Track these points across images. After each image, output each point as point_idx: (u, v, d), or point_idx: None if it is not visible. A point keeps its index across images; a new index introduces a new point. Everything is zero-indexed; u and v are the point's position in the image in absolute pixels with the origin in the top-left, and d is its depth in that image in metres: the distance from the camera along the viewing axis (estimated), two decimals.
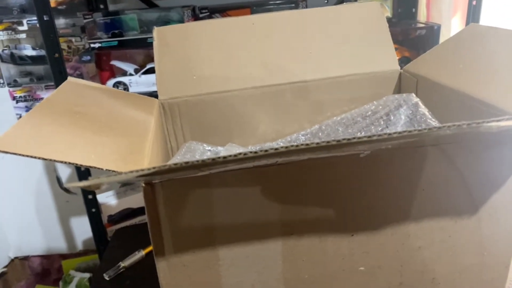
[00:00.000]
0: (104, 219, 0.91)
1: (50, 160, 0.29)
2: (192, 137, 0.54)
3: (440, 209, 0.35)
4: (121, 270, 0.64)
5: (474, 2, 0.71)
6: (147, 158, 0.34)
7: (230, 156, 0.20)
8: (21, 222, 1.27)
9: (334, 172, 0.31)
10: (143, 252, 0.67)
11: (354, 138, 0.21)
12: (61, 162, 0.30)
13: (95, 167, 0.29)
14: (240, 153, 0.20)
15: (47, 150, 0.30)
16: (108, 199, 0.90)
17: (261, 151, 0.20)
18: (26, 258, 1.30)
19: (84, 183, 0.20)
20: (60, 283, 1.19)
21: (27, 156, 0.29)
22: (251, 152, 0.20)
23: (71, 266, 1.24)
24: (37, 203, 1.26)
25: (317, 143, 0.21)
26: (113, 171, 0.29)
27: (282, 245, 0.34)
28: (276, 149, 0.21)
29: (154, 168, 0.20)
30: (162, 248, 0.33)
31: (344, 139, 0.21)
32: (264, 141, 0.57)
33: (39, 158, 0.30)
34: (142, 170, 0.20)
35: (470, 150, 0.33)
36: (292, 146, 0.21)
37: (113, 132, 0.38)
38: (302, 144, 0.21)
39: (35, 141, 0.32)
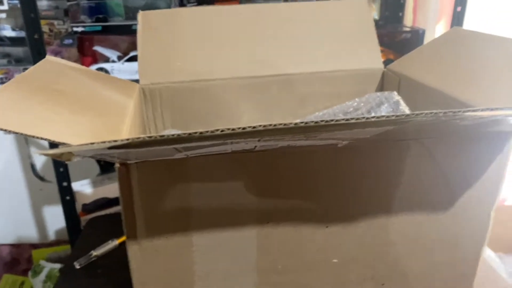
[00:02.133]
0: (79, 208, 0.89)
1: (22, 134, 0.28)
2: (173, 125, 0.53)
3: (417, 204, 0.36)
4: (93, 259, 0.63)
5: (458, 9, 0.73)
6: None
7: (207, 131, 0.20)
8: None
9: (311, 161, 0.31)
10: (116, 242, 0.66)
11: (332, 120, 0.21)
12: (34, 137, 0.29)
13: (68, 144, 0.28)
14: (217, 129, 0.20)
15: (20, 124, 0.29)
16: (83, 188, 0.88)
17: (238, 128, 0.20)
18: None
19: (52, 151, 0.19)
20: (30, 273, 1.16)
21: None
22: (228, 128, 0.20)
23: (42, 256, 1.20)
24: (9, 189, 1.22)
25: (295, 123, 0.21)
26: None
27: (257, 233, 0.33)
28: (254, 127, 0.20)
29: (127, 139, 0.20)
30: (135, 232, 0.32)
31: (322, 121, 0.21)
32: None
33: (10, 131, 0.28)
34: (115, 141, 0.20)
35: (449, 145, 0.33)
36: (270, 125, 0.20)
37: (90, 111, 0.37)
38: (280, 124, 0.21)
39: (8, 114, 0.30)
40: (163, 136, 0.20)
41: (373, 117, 0.21)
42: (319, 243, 0.35)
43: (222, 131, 0.20)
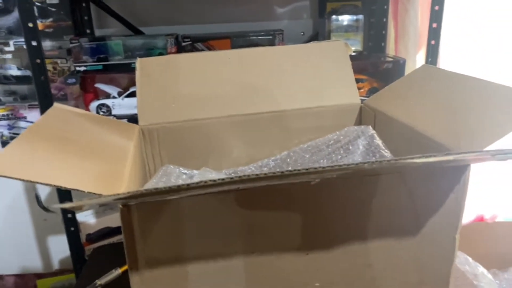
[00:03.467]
0: (82, 237, 0.93)
1: (38, 182, 0.33)
2: (170, 161, 0.58)
3: (387, 230, 0.40)
4: None
5: (432, 42, 0.79)
6: (125, 182, 0.38)
7: (193, 183, 0.24)
8: None
9: (289, 197, 0.36)
10: (119, 270, 0.69)
11: (295, 170, 0.25)
12: (48, 185, 0.33)
13: (77, 190, 0.33)
14: (201, 181, 0.24)
15: (35, 174, 0.34)
16: (87, 218, 0.92)
17: (219, 179, 0.25)
18: (0, 277, 1.28)
19: (67, 205, 0.24)
20: None
21: (17, 179, 0.33)
22: (211, 180, 0.24)
23: (46, 286, 1.23)
24: (14, 220, 1.26)
25: (265, 174, 0.26)
26: (94, 193, 0.33)
27: (244, 263, 0.38)
28: (231, 178, 0.25)
29: (129, 193, 0.24)
30: (136, 264, 0.36)
31: (287, 171, 0.26)
32: (237, 165, 0.61)
33: (27, 181, 0.33)
34: (119, 194, 0.24)
35: (412, 179, 0.38)
36: (245, 176, 0.25)
37: (95, 157, 0.41)
38: (253, 175, 0.25)
39: (24, 165, 0.35)
40: (157, 189, 0.25)
41: (329, 166, 0.26)
42: (301, 268, 0.39)
43: (205, 182, 0.24)
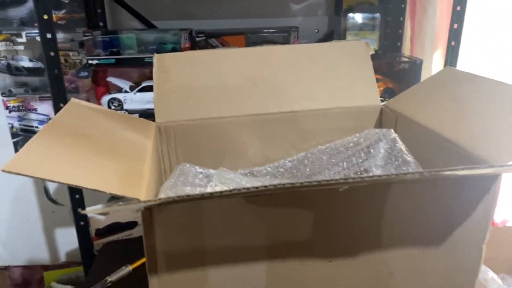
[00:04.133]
0: (92, 232, 0.92)
1: (58, 182, 0.32)
2: (185, 159, 0.57)
3: (413, 240, 0.39)
4: (108, 285, 0.66)
5: (453, 43, 0.77)
6: (145, 182, 0.37)
7: (226, 191, 0.23)
8: (3, 231, 1.27)
9: (315, 203, 0.35)
10: (130, 267, 0.69)
11: (331, 180, 0.24)
12: (68, 184, 0.32)
13: (99, 191, 0.32)
14: (235, 189, 0.23)
15: (54, 172, 0.33)
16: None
17: (253, 188, 0.24)
18: (6, 268, 1.29)
19: (97, 211, 0.23)
20: None
21: (37, 178, 0.32)
22: (245, 188, 0.24)
23: (53, 278, 1.23)
24: (22, 212, 1.26)
25: (301, 183, 0.25)
26: (115, 194, 0.32)
27: (266, 268, 0.37)
28: (265, 186, 0.24)
29: (160, 199, 0.23)
30: (155, 266, 0.35)
31: (322, 181, 0.25)
32: (252, 164, 0.60)
33: (47, 180, 0.32)
34: (149, 201, 0.23)
35: (440, 188, 0.37)
36: (280, 185, 0.24)
37: (113, 154, 0.41)
38: (288, 183, 0.24)
39: (43, 163, 0.34)
40: (189, 195, 0.24)
41: (367, 176, 0.25)
42: (324, 275, 0.38)
43: (239, 190, 0.23)
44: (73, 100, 0.50)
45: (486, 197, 0.38)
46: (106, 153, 0.40)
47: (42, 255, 1.29)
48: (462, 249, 0.39)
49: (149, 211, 0.33)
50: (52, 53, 0.76)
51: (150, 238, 0.34)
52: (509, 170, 0.29)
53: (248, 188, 0.23)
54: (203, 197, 0.23)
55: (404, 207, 0.37)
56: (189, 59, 0.59)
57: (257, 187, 0.24)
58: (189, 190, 0.42)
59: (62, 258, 1.30)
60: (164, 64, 0.58)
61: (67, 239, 1.24)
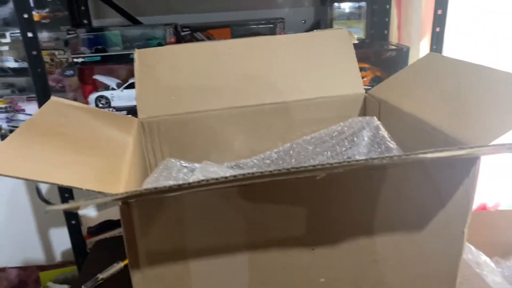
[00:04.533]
0: (84, 231, 0.92)
1: (34, 180, 0.32)
2: (170, 154, 0.57)
3: (394, 225, 0.39)
4: (99, 282, 0.66)
5: (437, 29, 0.77)
6: (124, 177, 0.37)
7: (194, 182, 0.23)
8: None
9: (294, 192, 0.35)
10: (121, 264, 0.69)
11: (301, 167, 0.24)
12: (44, 182, 0.32)
13: (75, 187, 0.32)
14: (203, 180, 0.23)
15: (30, 171, 0.33)
16: (88, 211, 0.91)
17: (222, 178, 0.24)
18: (2, 270, 1.29)
19: (63, 206, 0.23)
20: None
21: (13, 177, 0.32)
22: (213, 179, 0.23)
23: (49, 278, 1.23)
24: (15, 213, 1.25)
25: (270, 172, 0.24)
26: (92, 190, 0.32)
27: (248, 258, 0.37)
28: (234, 176, 0.24)
29: (127, 193, 0.23)
30: (137, 262, 0.35)
31: (292, 168, 0.25)
32: (239, 157, 0.60)
33: (23, 179, 0.32)
34: (117, 194, 0.23)
35: (419, 172, 0.37)
36: (248, 174, 0.24)
37: (93, 152, 0.40)
38: (257, 172, 0.24)
39: (20, 162, 0.34)
40: (157, 188, 0.24)
41: (336, 162, 0.25)
42: (306, 264, 0.38)
43: (207, 181, 0.23)
44: (53, 98, 0.49)
45: (466, 181, 0.38)
46: (85, 151, 0.40)
47: (37, 256, 1.29)
48: (444, 233, 0.40)
49: (128, 206, 0.33)
50: (34, 52, 0.75)
51: (130, 234, 0.34)
52: (485, 152, 0.29)
53: (217, 179, 0.23)
54: (171, 189, 0.23)
55: (385, 193, 0.37)
56: (171, 53, 0.59)
57: (226, 177, 0.23)
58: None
59: (58, 257, 1.30)
60: (145, 59, 0.57)
61: (62, 239, 1.24)
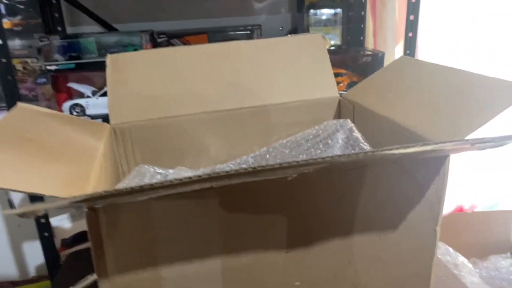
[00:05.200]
0: (58, 243, 0.89)
1: None
2: (144, 160, 0.56)
3: (368, 225, 0.39)
4: None
5: (410, 34, 0.78)
6: (92, 184, 0.36)
7: (158, 183, 0.22)
8: None
9: (265, 194, 0.34)
10: (95, 276, 0.66)
11: (268, 165, 0.24)
12: (9, 190, 0.31)
13: (37, 194, 0.31)
14: (167, 181, 0.23)
15: None
16: (61, 223, 0.88)
17: (186, 178, 0.23)
18: None
19: (17, 211, 0.22)
20: None
21: None
22: (177, 179, 0.23)
23: None
24: None
25: (236, 171, 0.24)
26: (56, 197, 0.31)
27: (221, 263, 0.36)
28: (199, 176, 0.23)
29: (85, 195, 0.22)
30: (105, 270, 0.34)
31: (259, 167, 0.24)
32: (215, 163, 0.60)
33: None
34: (75, 197, 0.22)
35: (390, 171, 0.37)
36: (214, 173, 0.23)
37: (60, 158, 0.39)
38: (223, 172, 0.24)
39: None
40: (117, 190, 0.23)
41: (303, 160, 0.24)
42: (281, 267, 0.38)
43: (171, 182, 0.23)
44: (20, 104, 0.48)
45: (437, 179, 0.38)
46: (52, 157, 0.39)
47: (10, 271, 1.25)
48: (417, 231, 0.40)
49: (94, 212, 0.32)
50: (4, 60, 0.73)
51: (97, 241, 0.33)
52: (451, 148, 0.30)
53: (180, 179, 0.23)
54: (133, 190, 0.22)
55: (357, 194, 0.37)
56: (144, 58, 0.58)
57: (190, 177, 0.23)
58: None
59: (32, 272, 1.25)
60: (117, 65, 0.56)
61: (36, 253, 1.19)
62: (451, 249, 1.13)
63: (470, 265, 1.12)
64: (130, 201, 0.32)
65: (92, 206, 0.32)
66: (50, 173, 0.36)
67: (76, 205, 0.23)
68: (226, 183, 0.32)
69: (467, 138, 0.34)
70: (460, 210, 1.27)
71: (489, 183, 1.29)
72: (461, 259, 1.11)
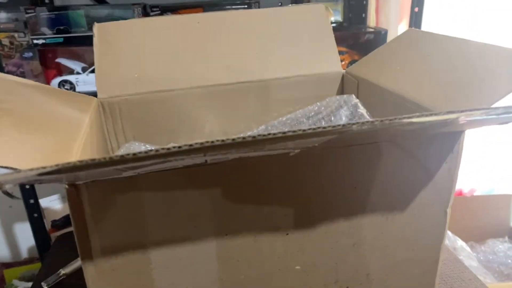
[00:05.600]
0: (48, 224, 0.86)
1: None
2: (135, 137, 0.53)
3: (374, 206, 0.36)
4: (61, 278, 0.61)
5: (416, 9, 0.74)
6: (74, 158, 0.33)
7: (141, 153, 0.19)
8: None
9: (265, 171, 0.31)
10: None
11: (269, 134, 0.21)
12: None
13: (10, 168, 0.27)
14: (153, 150, 0.19)
15: None
16: (52, 204, 0.85)
17: (185, 145, 0.20)
18: None
19: None
20: None
21: None
22: (174, 147, 0.20)
23: (14, 275, 1.16)
24: None
25: (233, 140, 0.21)
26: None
27: (216, 246, 0.33)
28: (201, 143, 0.20)
29: (57, 165, 0.19)
30: (90, 252, 0.31)
31: (259, 135, 0.21)
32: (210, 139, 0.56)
33: None
34: (44, 167, 0.19)
35: (400, 147, 0.34)
36: (217, 140, 0.20)
37: (40, 130, 0.36)
38: (218, 140, 0.21)
39: None
40: (94, 160, 0.20)
41: (310, 128, 0.21)
42: (280, 250, 0.35)
43: (156, 151, 0.19)
44: None
45: (450, 157, 0.35)
46: (30, 129, 0.35)
47: (2, 252, 1.22)
48: (427, 213, 0.37)
49: (75, 189, 0.29)
50: None
51: (80, 221, 0.30)
52: (468, 115, 0.26)
53: (168, 149, 0.19)
54: (112, 160, 0.19)
55: (363, 173, 0.34)
56: (134, 27, 0.54)
57: (179, 146, 0.20)
58: None
59: (24, 254, 1.23)
60: (105, 35, 0.53)
61: (27, 235, 1.17)
62: (450, 233, 1.12)
63: (468, 249, 1.11)
64: (115, 177, 0.29)
65: (73, 182, 0.29)
66: (27, 145, 0.32)
67: (46, 178, 0.20)
68: (222, 159, 0.29)
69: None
70: (459, 194, 1.26)
71: (488, 167, 1.27)
72: (460, 242, 1.10)
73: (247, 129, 0.57)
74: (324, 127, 0.21)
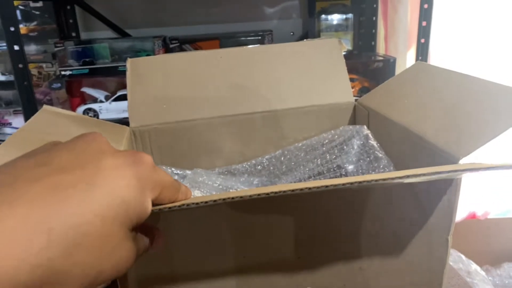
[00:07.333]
0: None
1: None
2: (162, 161, 0.57)
3: (380, 234, 0.39)
4: None
5: (422, 40, 0.79)
6: None
7: (175, 206, 0.23)
8: None
9: (281, 201, 0.35)
10: None
11: (288, 190, 0.25)
12: None
13: None
14: (184, 204, 0.23)
15: None
16: None
17: (202, 202, 0.24)
18: None
19: None
20: None
21: None
22: (193, 204, 0.24)
23: None
24: None
25: (258, 194, 0.25)
26: None
27: (235, 266, 0.36)
28: (214, 200, 0.24)
29: None
30: (126, 286, 0.35)
31: (271, 193, 0.25)
32: (230, 163, 0.60)
33: None
34: None
35: (400, 187, 0.37)
36: (230, 197, 0.24)
37: None
38: (244, 196, 0.25)
39: None
40: None
41: (315, 187, 0.25)
42: (292, 272, 0.38)
43: (187, 205, 0.23)
44: (45, 107, 0.48)
45: (449, 190, 0.38)
46: None
47: None
48: (429, 240, 0.40)
49: None
50: (20, 65, 0.75)
51: None
52: (468, 167, 0.30)
53: (197, 203, 0.23)
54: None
55: (371, 204, 0.37)
56: (162, 62, 0.59)
57: (205, 202, 0.24)
58: None
59: None
60: (137, 68, 0.57)
61: None
62: (463, 257, 1.12)
63: (483, 273, 1.11)
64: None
65: None
66: None
67: None
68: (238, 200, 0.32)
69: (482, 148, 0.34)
70: (473, 216, 1.26)
71: (503, 189, 1.28)
72: (474, 266, 1.10)
73: (264, 152, 0.61)
74: (327, 185, 0.25)
